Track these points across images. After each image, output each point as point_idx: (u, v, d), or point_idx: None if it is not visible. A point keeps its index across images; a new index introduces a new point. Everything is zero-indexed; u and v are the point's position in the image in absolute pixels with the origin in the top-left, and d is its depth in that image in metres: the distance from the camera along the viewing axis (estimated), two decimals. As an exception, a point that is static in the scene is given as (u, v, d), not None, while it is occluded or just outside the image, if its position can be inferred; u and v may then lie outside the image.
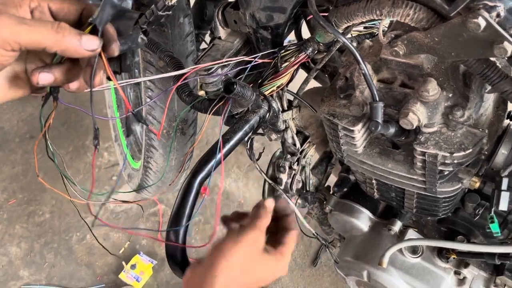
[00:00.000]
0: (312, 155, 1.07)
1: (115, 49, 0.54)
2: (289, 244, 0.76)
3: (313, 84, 1.11)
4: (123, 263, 2.08)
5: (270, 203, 0.77)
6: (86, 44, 0.51)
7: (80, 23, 0.55)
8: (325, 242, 1.13)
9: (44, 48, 0.50)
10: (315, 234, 1.07)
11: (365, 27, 0.98)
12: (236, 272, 0.68)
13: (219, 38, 0.97)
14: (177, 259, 0.78)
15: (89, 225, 0.57)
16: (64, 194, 0.71)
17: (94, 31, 0.53)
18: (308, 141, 1.04)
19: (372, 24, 0.97)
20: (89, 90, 0.54)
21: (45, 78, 0.53)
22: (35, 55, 0.56)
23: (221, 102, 0.82)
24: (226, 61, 0.86)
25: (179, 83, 0.83)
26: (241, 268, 0.68)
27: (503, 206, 0.70)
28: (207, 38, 1.54)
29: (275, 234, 0.78)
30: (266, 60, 0.86)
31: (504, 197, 0.71)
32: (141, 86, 1.33)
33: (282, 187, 0.98)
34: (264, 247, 0.72)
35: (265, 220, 0.74)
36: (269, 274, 0.73)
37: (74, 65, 0.55)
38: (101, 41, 0.53)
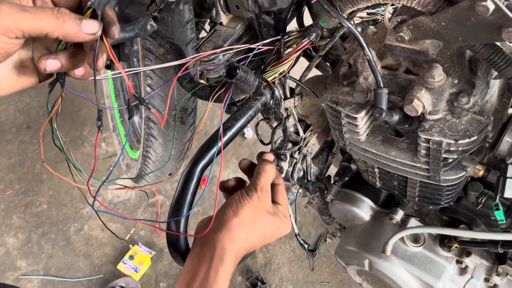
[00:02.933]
0: (314, 144, 1.06)
1: (116, 31, 0.55)
2: (285, 202, 0.81)
3: (315, 72, 1.10)
4: (130, 246, 2.12)
5: (271, 157, 0.83)
6: (86, 28, 0.52)
7: (82, 10, 0.56)
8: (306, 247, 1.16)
9: (46, 34, 0.51)
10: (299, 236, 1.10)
11: (368, 13, 0.97)
12: (248, 227, 0.74)
13: (221, 24, 0.95)
14: (178, 247, 0.77)
15: (94, 208, 0.57)
16: (70, 180, 0.71)
17: (94, 16, 0.53)
18: (309, 129, 1.03)
19: (376, 11, 0.96)
20: (93, 78, 0.54)
21: (51, 64, 0.54)
22: (40, 44, 0.57)
23: (223, 89, 0.81)
24: (229, 49, 0.84)
25: (180, 73, 0.82)
26: (252, 225, 0.74)
27: (509, 193, 0.69)
28: (207, 27, 1.53)
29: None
30: (269, 47, 0.84)
31: (510, 184, 0.70)
32: (140, 75, 1.32)
33: (283, 175, 0.97)
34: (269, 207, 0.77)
35: (268, 179, 0.80)
36: (276, 231, 0.78)
37: (79, 51, 0.56)
38: (101, 24, 0.53)
